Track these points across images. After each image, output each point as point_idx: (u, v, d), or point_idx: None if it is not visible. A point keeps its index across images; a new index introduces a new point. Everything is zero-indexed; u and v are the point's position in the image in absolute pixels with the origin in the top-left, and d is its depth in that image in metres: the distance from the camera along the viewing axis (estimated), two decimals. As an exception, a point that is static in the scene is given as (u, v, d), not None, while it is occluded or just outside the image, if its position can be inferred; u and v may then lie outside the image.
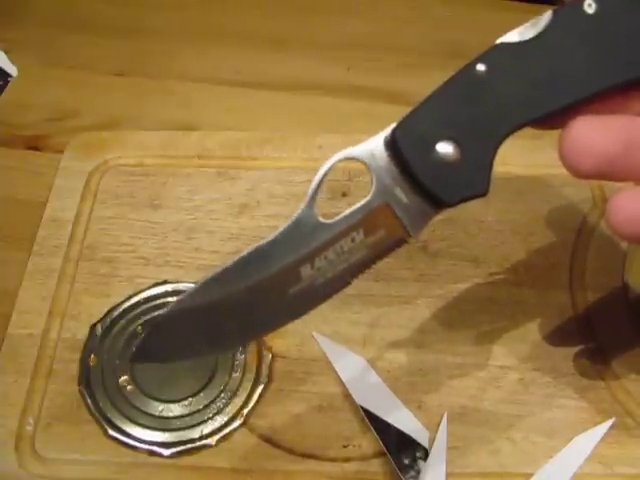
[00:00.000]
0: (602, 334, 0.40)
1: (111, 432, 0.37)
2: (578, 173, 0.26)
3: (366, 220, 0.27)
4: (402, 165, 0.26)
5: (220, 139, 0.49)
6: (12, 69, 0.56)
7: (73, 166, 0.48)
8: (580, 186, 0.45)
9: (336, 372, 0.39)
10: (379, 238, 0.27)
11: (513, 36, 0.27)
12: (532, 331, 0.40)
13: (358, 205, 0.28)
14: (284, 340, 0.40)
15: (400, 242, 0.28)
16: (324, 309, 0.41)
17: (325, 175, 0.28)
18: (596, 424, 0.37)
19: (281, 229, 0.28)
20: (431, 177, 0.26)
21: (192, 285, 0.42)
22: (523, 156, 0.46)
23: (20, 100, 0.54)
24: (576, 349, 0.40)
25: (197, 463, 0.37)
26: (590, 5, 0.26)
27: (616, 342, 0.40)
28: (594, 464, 0.36)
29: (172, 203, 0.46)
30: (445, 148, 0.26)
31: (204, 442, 0.37)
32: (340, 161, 0.28)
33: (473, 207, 0.45)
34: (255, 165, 0.48)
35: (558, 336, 0.40)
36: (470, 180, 0.26)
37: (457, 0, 0.61)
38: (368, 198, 0.27)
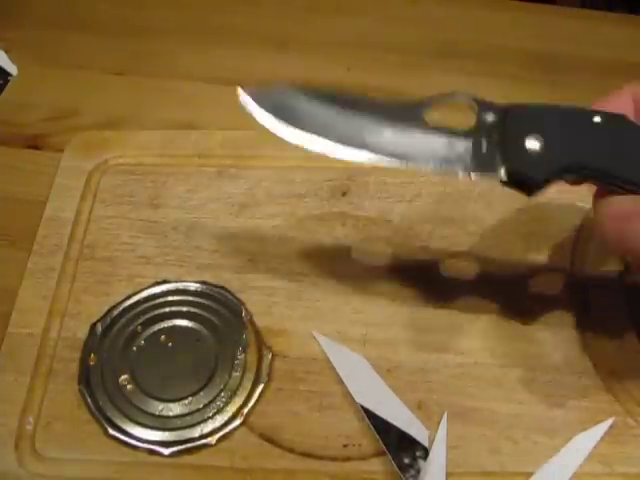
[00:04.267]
0: (602, 334, 0.40)
1: (111, 431, 0.37)
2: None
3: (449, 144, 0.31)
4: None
5: (220, 139, 0.49)
6: (12, 68, 0.56)
7: (73, 165, 0.48)
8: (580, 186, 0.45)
9: (336, 371, 0.39)
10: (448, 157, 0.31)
11: None
12: (532, 330, 0.40)
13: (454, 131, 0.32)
14: (284, 339, 0.40)
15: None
16: (324, 309, 0.41)
17: None
18: (596, 424, 0.37)
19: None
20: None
21: (192, 284, 0.42)
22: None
23: (20, 99, 0.54)
24: (576, 349, 0.40)
25: (197, 462, 0.37)
26: None
27: (616, 342, 0.40)
28: (594, 464, 0.36)
29: (172, 202, 0.46)
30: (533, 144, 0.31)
31: (204, 441, 0.37)
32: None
33: (473, 207, 0.45)
34: (255, 164, 0.48)
35: (558, 336, 0.40)
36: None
37: (457, 0, 0.61)
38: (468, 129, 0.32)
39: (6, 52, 0.56)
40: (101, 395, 0.38)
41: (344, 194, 0.46)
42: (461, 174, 0.31)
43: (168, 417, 0.38)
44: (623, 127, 0.31)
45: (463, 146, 0.31)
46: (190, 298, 0.42)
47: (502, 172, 0.31)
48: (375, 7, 0.61)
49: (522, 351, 0.39)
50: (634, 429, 0.37)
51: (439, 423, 0.37)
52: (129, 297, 0.42)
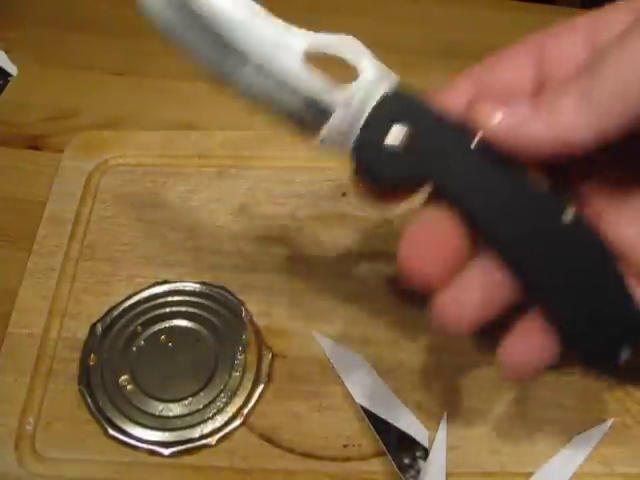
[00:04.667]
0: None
1: (111, 431, 0.37)
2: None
3: (313, 99, 0.28)
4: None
5: (220, 139, 0.49)
6: (12, 69, 0.56)
7: (73, 166, 0.48)
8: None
9: (336, 372, 0.39)
10: (301, 114, 0.28)
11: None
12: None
13: (327, 87, 0.28)
14: (284, 340, 0.40)
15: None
16: (324, 309, 0.41)
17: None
18: (596, 424, 0.37)
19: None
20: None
21: (192, 285, 0.42)
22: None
23: (20, 100, 0.54)
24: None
25: (197, 463, 0.37)
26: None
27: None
28: (594, 464, 0.36)
29: (172, 203, 0.46)
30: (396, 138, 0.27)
31: (204, 442, 0.37)
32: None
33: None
34: (255, 165, 0.48)
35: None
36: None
37: (457, 0, 0.61)
38: (341, 92, 0.28)
39: (6, 52, 0.56)
40: (101, 395, 0.38)
41: (344, 194, 0.46)
42: (314, 136, 0.28)
43: (168, 417, 0.38)
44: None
45: (325, 107, 0.28)
46: (190, 298, 0.42)
47: (351, 153, 0.28)
48: (375, 7, 0.61)
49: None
50: (634, 429, 0.37)
51: (439, 423, 0.37)
52: (129, 297, 0.42)
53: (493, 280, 0.28)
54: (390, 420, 0.37)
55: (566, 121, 0.25)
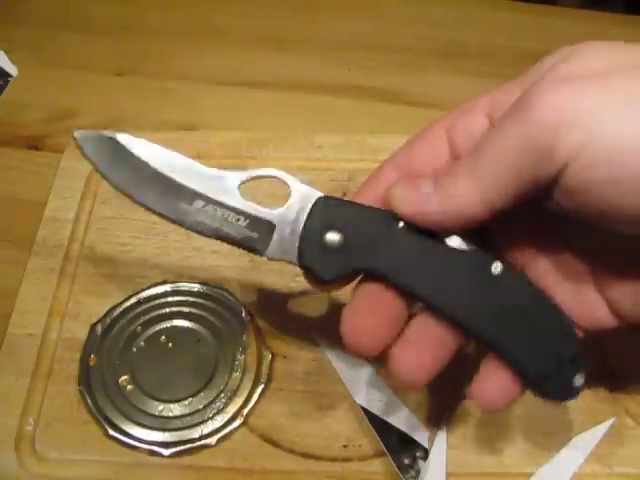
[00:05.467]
0: (602, 333, 0.40)
1: (111, 432, 0.37)
2: None
3: (255, 220, 0.32)
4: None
5: (220, 139, 0.49)
6: (12, 69, 0.56)
7: (73, 166, 0.48)
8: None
9: (336, 372, 0.39)
10: (249, 237, 0.32)
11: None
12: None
13: (266, 209, 0.32)
14: (284, 340, 0.40)
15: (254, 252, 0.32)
16: (324, 309, 0.41)
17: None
18: (596, 424, 0.37)
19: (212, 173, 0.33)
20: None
21: (192, 285, 0.42)
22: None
23: (20, 100, 0.54)
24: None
25: (197, 463, 0.37)
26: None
27: (616, 342, 0.40)
28: (594, 464, 0.36)
29: (172, 203, 0.46)
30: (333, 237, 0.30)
31: (204, 442, 0.37)
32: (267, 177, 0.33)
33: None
34: (255, 165, 0.48)
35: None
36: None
37: (457, 0, 0.62)
38: (276, 211, 0.32)
39: (6, 52, 0.56)
40: (101, 396, 0.38)
41: (344, 194, 0.46)
42: (262, 254, 0.31)
43: (168, 418, 0.38)
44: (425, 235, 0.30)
45: (268, 228, 0.31)
46: (190, 299, 0.42)
47: (296, 262, 0.31)
48: (375, 7, 0.61)
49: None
50: (634, 429, 0.37)
51: (439, 423, 0.37)
52: (129, 298, 0.42)
53: (434, 334, 0.30)
54: (390, 420, 0.37)
55: (459, 198, 0.27)
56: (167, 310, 0.41)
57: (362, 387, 0.38)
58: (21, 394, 0.38)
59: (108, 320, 0.41)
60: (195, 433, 0.37)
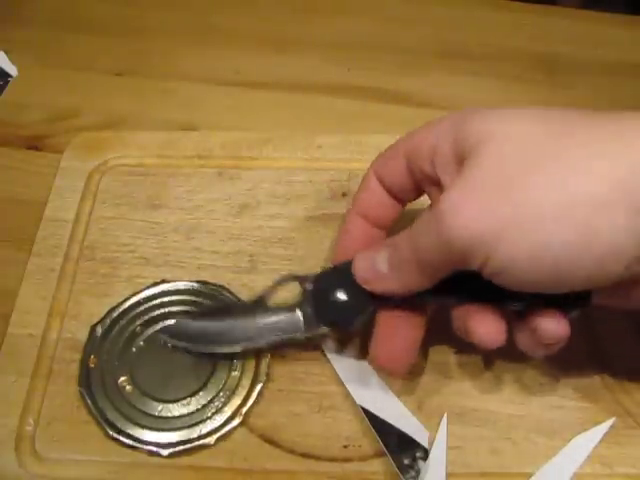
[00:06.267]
0: (602, 333, 0.40)
1: (111, 432, 0.37)
2: None
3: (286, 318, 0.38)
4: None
5: (220, 139, 0.49)
6: (12, 69, 0.56)
7: (73, 166, 0.48)
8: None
9: (336, 372, 0.39)
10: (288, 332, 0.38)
11: None
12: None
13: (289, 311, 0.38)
14: (284, 340, 0.40)
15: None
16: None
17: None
18: (596, 424, 0.37)
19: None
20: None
21: (192, 285, 0.42)
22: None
23: (20, 100, 0.54)
24: (576, 349, 0.40)
25: (196, 463, 0.37)
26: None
27: (616, 342, 0.40)
28: (594, 464, 0.36)
29: (172, 203, 0.46)
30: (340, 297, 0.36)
31: (203, 442, 0.37)
32: (286, 279, 0.39)
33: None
34: (255, 165, 0.48)
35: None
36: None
37: (457, 0, 0.61)
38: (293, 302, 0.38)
39: (6, 53, 0.56)
40: (101, 396, 0.38)
41: (344, 194, 0.46)
42: (300, 337, 0.37)
43: (167, 418, 0.38)
44: None
45: (295, 316, 0.37)
46: (190, 298, 0.42)
47: (323, 327, 0.37)
48: (375, 7, 0.61)
49: (522, 352, 0.39)
50: (634, 430, 0.37)
51: (439, 424, 0.37)
52: (129, 298, 0.42)
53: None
54: (390, 421, 0.37)
55: (406, 280, 0.33)
56: (167, 310, 0.41)
57: (362, 387, 0.38)
58: (21, 394, 0.38)
59: (108, 321, 0.41)
60: (194, 433, 0.37)
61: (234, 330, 0.38)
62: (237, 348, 0.39)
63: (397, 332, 0.36)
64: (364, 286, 0.35)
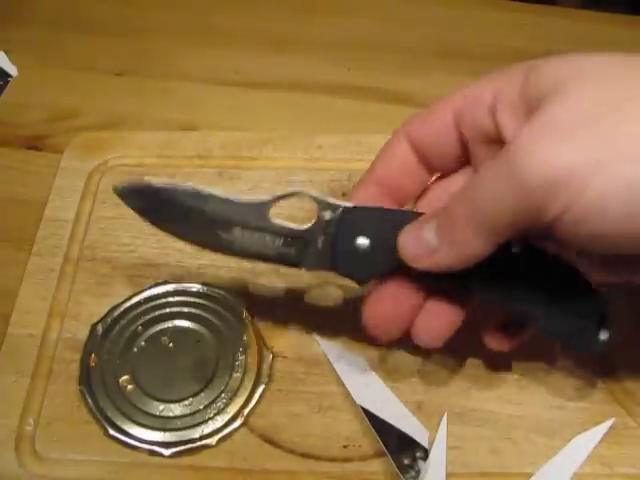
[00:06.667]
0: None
1: (111, 432, 0.37)
2: None
3: (289, 238, 0.34)
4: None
5: (220, 139, 0.49)
6: (12, 69, 0.56)
7: (73, 166, 0.48)
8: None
9: (336, 372, 0.39)
10: (286, 254, 0.34)
11: None
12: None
13: (298, 226, 0.34)
14: (285, 340, 0.40)
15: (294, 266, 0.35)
16: (324, 310, 0.41)
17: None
18: (596, 424, 0.37)
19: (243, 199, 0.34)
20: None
21: (193, 285, 0.42)
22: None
23: (20, 100, 0.54)
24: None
25: (197, 463, 0.37)
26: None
27: (616, 342, 0.40)
28: (594, 464, 0.36)
29: (172, 203, 0.46)
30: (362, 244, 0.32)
31: (204, 442, 0.37)
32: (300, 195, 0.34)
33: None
34: (255, 165, 0.48)
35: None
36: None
37: (457, 0, 0.61)
38: (306, 227, 0.33)
39: (6, 53, 0.56)
40: (101, 396, 0.38)
41: (344, 194, 0.46)
42: (301, 268, 0.34)
43: (169, 418, 0.38)
44: None
45: (302, 243, 0.33)
46: (191, 299, 0.42)
47: (333, 270, 0.34)
48: (375, 7, 0.61)
49: (522, 352, 0.39)
50: (634, 430, 0.37)
51: (439, 424, 0.37)
52: (129, 298, 0.42)
53: (447, 306, 0.33)
54: (390, 421, 0.37)
55: (462, 247, 0.29)
56: (168, 310, 0.41)
57: (362, 387, 0.38)
58: (21, 394, 0.38)
59: (109, 320, 0.41)
60: (195, 433, 0.37)
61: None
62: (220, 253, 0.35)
63: (400, 297, 0.33)
64: (413, 265, 0.30)
